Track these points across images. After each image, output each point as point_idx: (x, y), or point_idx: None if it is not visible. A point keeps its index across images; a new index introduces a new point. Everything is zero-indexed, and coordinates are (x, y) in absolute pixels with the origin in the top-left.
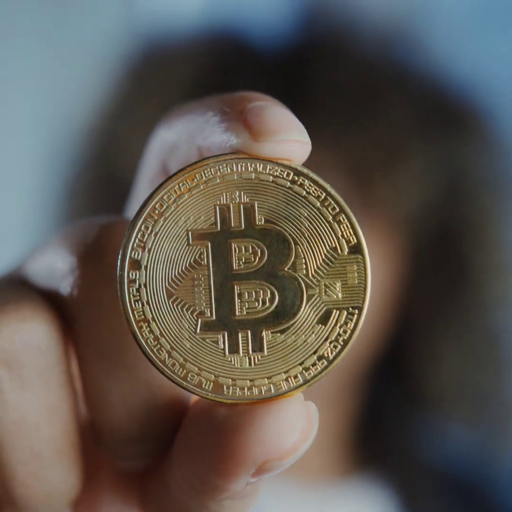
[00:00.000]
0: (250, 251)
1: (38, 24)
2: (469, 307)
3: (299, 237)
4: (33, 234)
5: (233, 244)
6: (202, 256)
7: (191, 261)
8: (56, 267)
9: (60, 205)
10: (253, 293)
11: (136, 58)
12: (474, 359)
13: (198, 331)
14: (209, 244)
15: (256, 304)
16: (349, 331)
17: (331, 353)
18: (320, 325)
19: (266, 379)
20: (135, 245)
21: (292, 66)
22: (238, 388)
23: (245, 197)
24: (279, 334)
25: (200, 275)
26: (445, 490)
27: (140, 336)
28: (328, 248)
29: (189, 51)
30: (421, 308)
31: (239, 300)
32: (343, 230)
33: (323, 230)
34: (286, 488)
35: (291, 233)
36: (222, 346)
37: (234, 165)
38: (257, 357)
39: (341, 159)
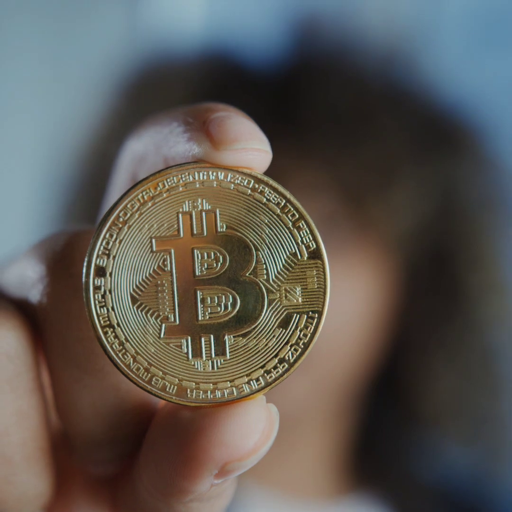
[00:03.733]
0: (212, 257)
1: (37, 44)
2: (464, 325)
3: (260, 243)
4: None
5: (195, 251)
6: (165, 262)
7: (155, 268)
8: (26, 276)
9: (57, 225)
10: (216, 298)
11: (133, 79)
12: (469, 377)
13: (162, 336)
14: (173, 250)
15: (219, 309)
16: (309, 335)
17: (292, 356)
18: (281, 329)
19: (228, 382)
20: (100, 252)
21: (286, 88)
22: (201, 392)
23: (207, 204)
24: (241, 338)
25: (164, 281)
26: (441, 508)
27: (105, 341)
28: (288, 253)
29: (185, 73)
30: (416, 327)
31: (202, 305)
32: (302, 236)
33: (283, 236)
34: (283, 507)
35: (252, 239)
36: (185, 351)
37: (196, 173)
38: (220, 361)
39: (335, 179)
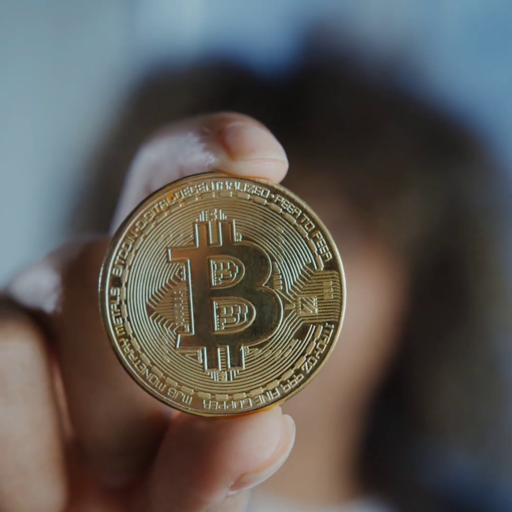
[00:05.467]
0: (228, 267)
1: (42, 52)
2: (470, 334)
3: (276, 254)
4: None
5: (211, 261)
6: (181, 272)
7: (171, 278)
8: (40, 285)
9: (62, 231)
10: (232, 308)
11: (138, 85)
12: (474, 385)
13: (177, 346)
14: (188, 261)
15: (234, 319)
16: (325, 346)
17: (308, 367)
18: (297, 340)
19: (244, 393)
20: (116, 262)
21: (292, 94)
22: (217, 402)
23: (223, 214)
24: (257, 349)
25: (180, 292)
26: None
27: (121, 352)
28: (304, 264)
29: (190, 79)
30: (422, 335)
31: (217, 316)
32: (319, 246)
33: (299, 247)
34: None
35: (268, 249)
36: (201, 361)
37: (212, 183)
38: (236, 372)
39: (341, 186)
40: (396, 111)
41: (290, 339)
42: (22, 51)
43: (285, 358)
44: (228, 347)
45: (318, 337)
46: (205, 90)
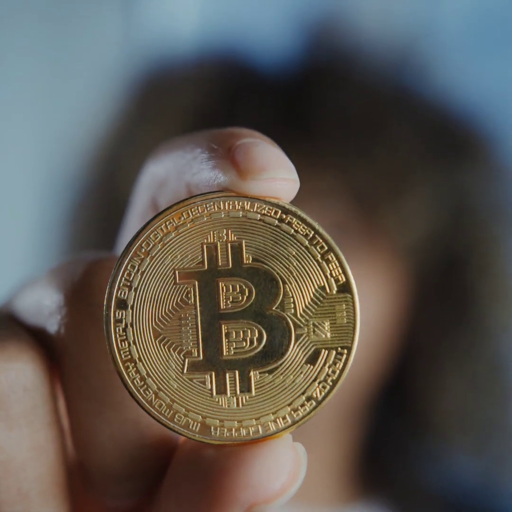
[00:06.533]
0: (238, 290)
1: (42, 50)
2: (474, 335)
3: (287, 276)
4: (37, 260)
5: (220, 283)
6: (189, 295)
7: (178, 301)
8: (43, 305)
9: (64, 230)
10: (241, 332)
11: (140, 84)
12: (478, 386)
13: (185, 371)
14: (196, 283)
15: (244, 344)
16: (338, 371)
17: (320, 394)
18: (309, 365)
19: (254, 420)
20: (121, 284)
21: (296, 93)
22: (226, 429)
23: (232, 235)
24: (267, 375)
25: (187, 315)
26: None
27: (126, 377)
28: (316, 287)
29: (193, 77)
30: (426, 336)
31: (226, 340)
32: (331, 268)
33: (311, 269)
34: None
35: (279, 272)
36: (209, 387)
37: (221, 203)
38: (245, 398)
39: (345, 186)
40: (401, 111)
41: (301, 364)
42: (22, 48)
43: (296, 384)
44: (237, 372)
45: (331, 362)
46: (208, 88)
